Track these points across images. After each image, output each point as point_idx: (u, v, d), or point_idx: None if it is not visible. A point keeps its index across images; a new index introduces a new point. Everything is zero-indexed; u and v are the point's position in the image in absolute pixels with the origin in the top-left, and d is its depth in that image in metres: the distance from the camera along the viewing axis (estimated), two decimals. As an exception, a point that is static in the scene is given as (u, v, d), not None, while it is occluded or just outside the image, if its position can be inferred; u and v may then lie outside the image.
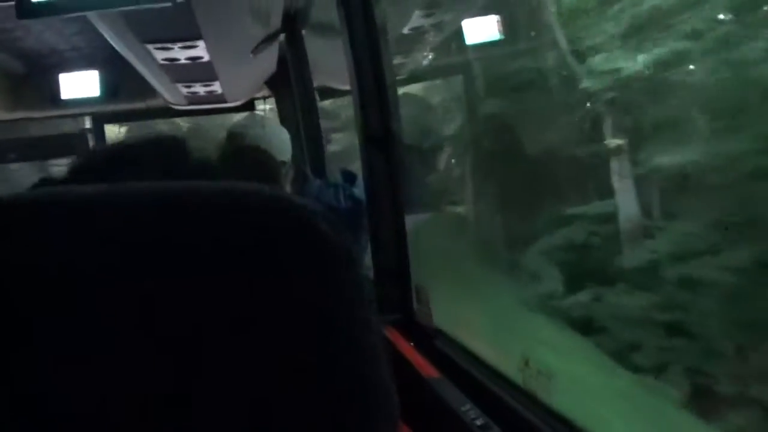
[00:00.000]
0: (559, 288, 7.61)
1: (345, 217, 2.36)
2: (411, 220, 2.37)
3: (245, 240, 0.38)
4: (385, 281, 2.12)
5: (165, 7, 2.40)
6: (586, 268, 7.49)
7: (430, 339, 1.83)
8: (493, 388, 1.43)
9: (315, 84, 3.50)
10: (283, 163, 2.92)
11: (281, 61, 3.70)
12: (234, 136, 2.99)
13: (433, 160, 10.06)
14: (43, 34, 3.34)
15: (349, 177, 2.49)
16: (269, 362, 0.36)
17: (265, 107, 4.39)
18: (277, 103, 4.12)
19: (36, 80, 3.75)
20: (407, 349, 1.80)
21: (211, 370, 0.35)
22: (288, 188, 2.54)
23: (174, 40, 2.89)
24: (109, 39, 2.87)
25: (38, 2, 1.68)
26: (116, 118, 4.45)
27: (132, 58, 3.14)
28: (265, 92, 4.29)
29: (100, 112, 4.15)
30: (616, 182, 7.60)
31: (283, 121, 4.06)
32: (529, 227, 8.32)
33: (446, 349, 1.73)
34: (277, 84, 3.99)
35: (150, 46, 2.93)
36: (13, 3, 1.88)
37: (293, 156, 3.93)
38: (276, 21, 3.22)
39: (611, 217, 7.59)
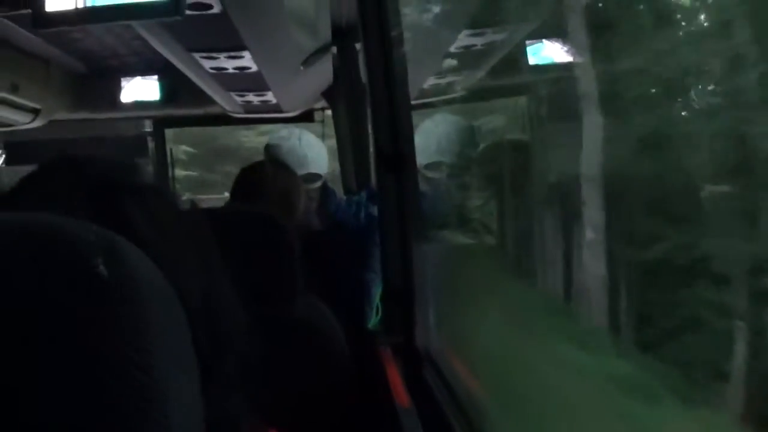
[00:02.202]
0: None
1: (361, 234, 2.35)
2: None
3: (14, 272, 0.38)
4: (392, 303, 2.10)
5: (203, 16, 2.46)
6: None
7: (420, 366, 1.79)
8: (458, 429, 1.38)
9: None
10: (318, 176, 2.94)
11: (337, 74, 3.71)
12: (271, 148, 3.04)
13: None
14: (104, 37, 3.43)
15: (373, 195, 2.48)
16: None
17: (324, 118, 4.41)
18: (333, 115, 4.13)
19: (97, 82, 3.86)
20: (394, 374, 1.76)
21: None
22: (312, 203, 2.55)
23: (219, 50, 2.93)
24: (156, 47, 2.93)
25: (52, 12, 1.72)
26: (177, 123, 4.53)
27: (182, 66, 3.20)
28: (324, 103, 4.32)
29: (160, 116, 4.25)
30: None
31: (338, 133, 4.09)
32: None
33: (429, 380, 1.69)
34: (332, 96, 4.00)
35: (196, 55, 2.98)
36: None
37: (343, 170, 3.95)
38: (326, 33, 3.23)
39: None
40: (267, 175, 2.23)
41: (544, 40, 3.26)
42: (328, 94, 4.05)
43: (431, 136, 2.78)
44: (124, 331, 0.39)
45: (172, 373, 0.41)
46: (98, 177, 0.55)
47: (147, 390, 0.39)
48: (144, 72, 3.85)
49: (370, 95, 2.03)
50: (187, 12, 2.34)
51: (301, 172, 2.82)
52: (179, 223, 0.58)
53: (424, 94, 3.61)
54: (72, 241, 0.40)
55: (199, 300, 0.51)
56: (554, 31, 2.55)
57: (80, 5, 1.67)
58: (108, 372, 0.38)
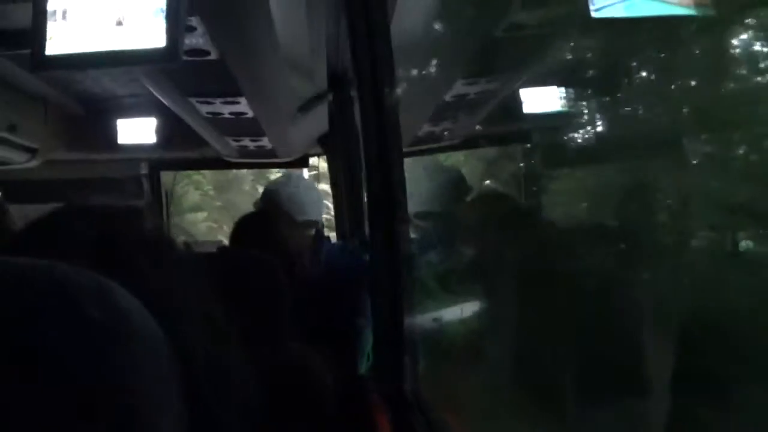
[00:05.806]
0: None
1: (352, 280, 2.35)
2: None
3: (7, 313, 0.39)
4: (382, 350, 2.09)
5: (201, 62, 2.49)
6: None
7: (409, 414, 1.78)
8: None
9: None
10: (315, 222, 2.95)
11: (333, 120, 3.73)
12: (269, 194, 3.04)
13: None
14: (102, 79, 3.46)
15: (364, 241, 2.49)
16: None
17: (319, 164, 4.43)
18: (328, 161, 4.15)
19: (94, 123, 3.86)
20: (383, 422, 1.75)
21: None
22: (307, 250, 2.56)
23: (215, 95, 2.95)
24: (152, 90, 2.96)
25: (51, 56, 1.73)
26: (172, 165, 4.53)
27: (177, 110, 3.22)
28: (319, 149, 4.33)
29: (156, 158, 4.25)
30: None
31: (334, 179, 4.09)
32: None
33: (418, 427, 1.68)
34: (328, 142, 4.02)
35: (192, 100, 3.00)
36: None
37: (337, 217, 3.95)
38: (322, 80, 3.25)
39: None
40: (273, 224, 2.23)
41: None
42: (324, 141, 4.07)
43: (421, 184, 2.79)
44: (112, 370, 0.40)
45: (158, 414, 0.42)
46: (105, 227, 0.56)
47: (132, 428, 0.40)
48: (141, 114, 3.86)
49: (364, 142, 2.05)
50: (185, 58, 2.38)
51: (300, 218, 2.82)
52: (182, 273, 0.58)
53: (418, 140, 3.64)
54: (62, 284, 0.41)
55: (203, 352, 0.52)
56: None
57: (79, 50, 1.69)
58: (94, 410, 0.38)
